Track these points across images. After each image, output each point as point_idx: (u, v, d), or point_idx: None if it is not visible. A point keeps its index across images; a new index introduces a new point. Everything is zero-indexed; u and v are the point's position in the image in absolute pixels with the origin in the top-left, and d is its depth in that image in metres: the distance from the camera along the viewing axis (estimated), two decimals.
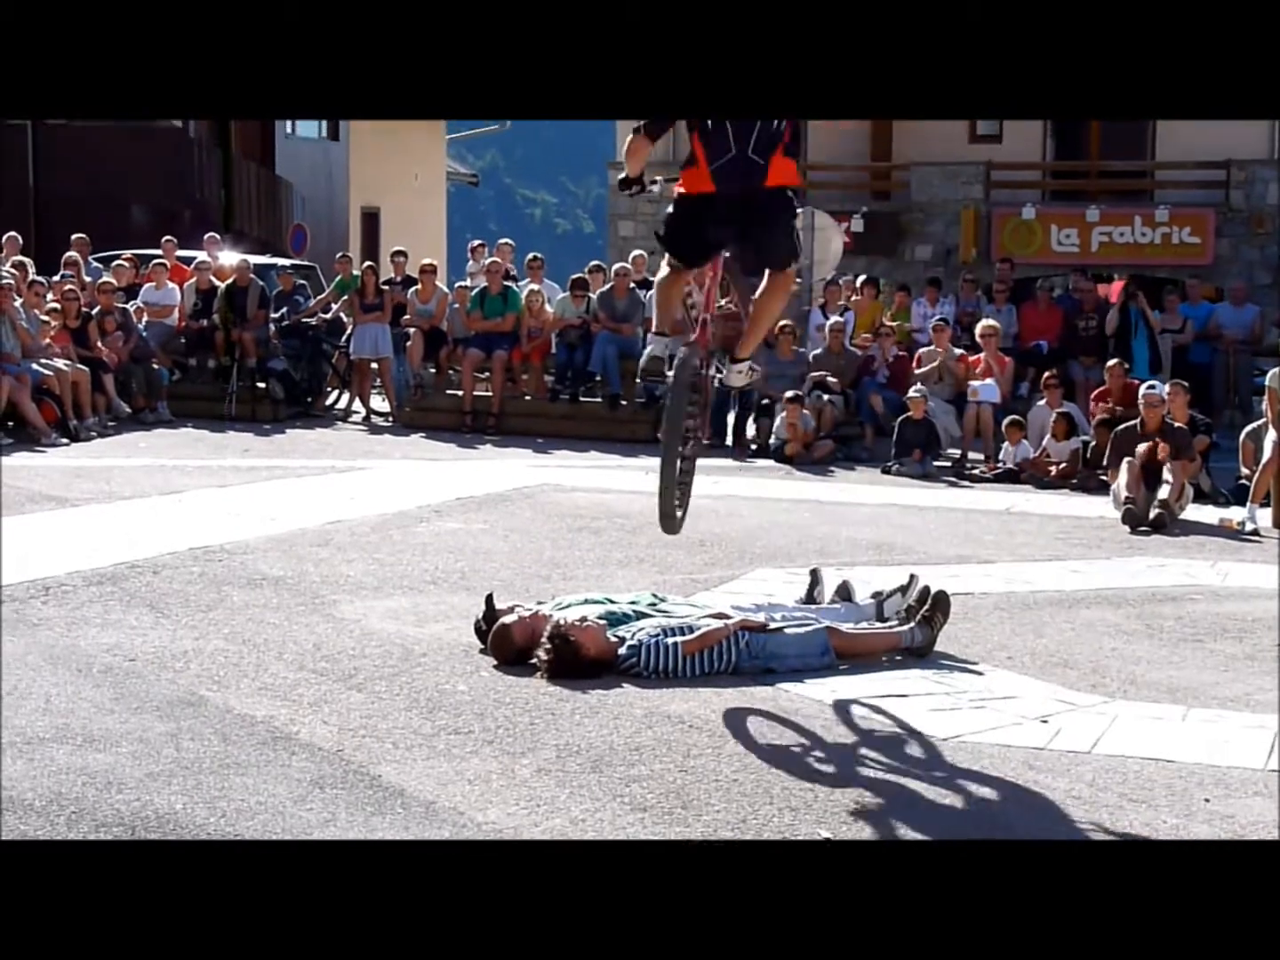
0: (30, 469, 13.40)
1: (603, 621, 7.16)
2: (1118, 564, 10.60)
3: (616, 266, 19.03)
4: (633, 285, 18.40)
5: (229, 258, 20.44)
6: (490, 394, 18.37)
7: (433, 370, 19.02)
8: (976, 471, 15.85)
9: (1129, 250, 24.05)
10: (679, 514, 7.26)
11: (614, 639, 7.08)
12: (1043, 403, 16.08)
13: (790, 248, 7.02)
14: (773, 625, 7.32)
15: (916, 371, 17.15)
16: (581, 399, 18.52)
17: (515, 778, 5.59)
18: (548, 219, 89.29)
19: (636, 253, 20.02)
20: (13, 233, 19.55)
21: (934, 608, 7.66)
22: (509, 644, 7.15)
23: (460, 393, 18.45)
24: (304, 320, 19.65)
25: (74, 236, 19.98)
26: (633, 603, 7.55)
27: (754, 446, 17.18)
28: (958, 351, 17.36)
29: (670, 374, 7.02)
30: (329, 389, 20.15)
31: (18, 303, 16.54)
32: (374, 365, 19.31)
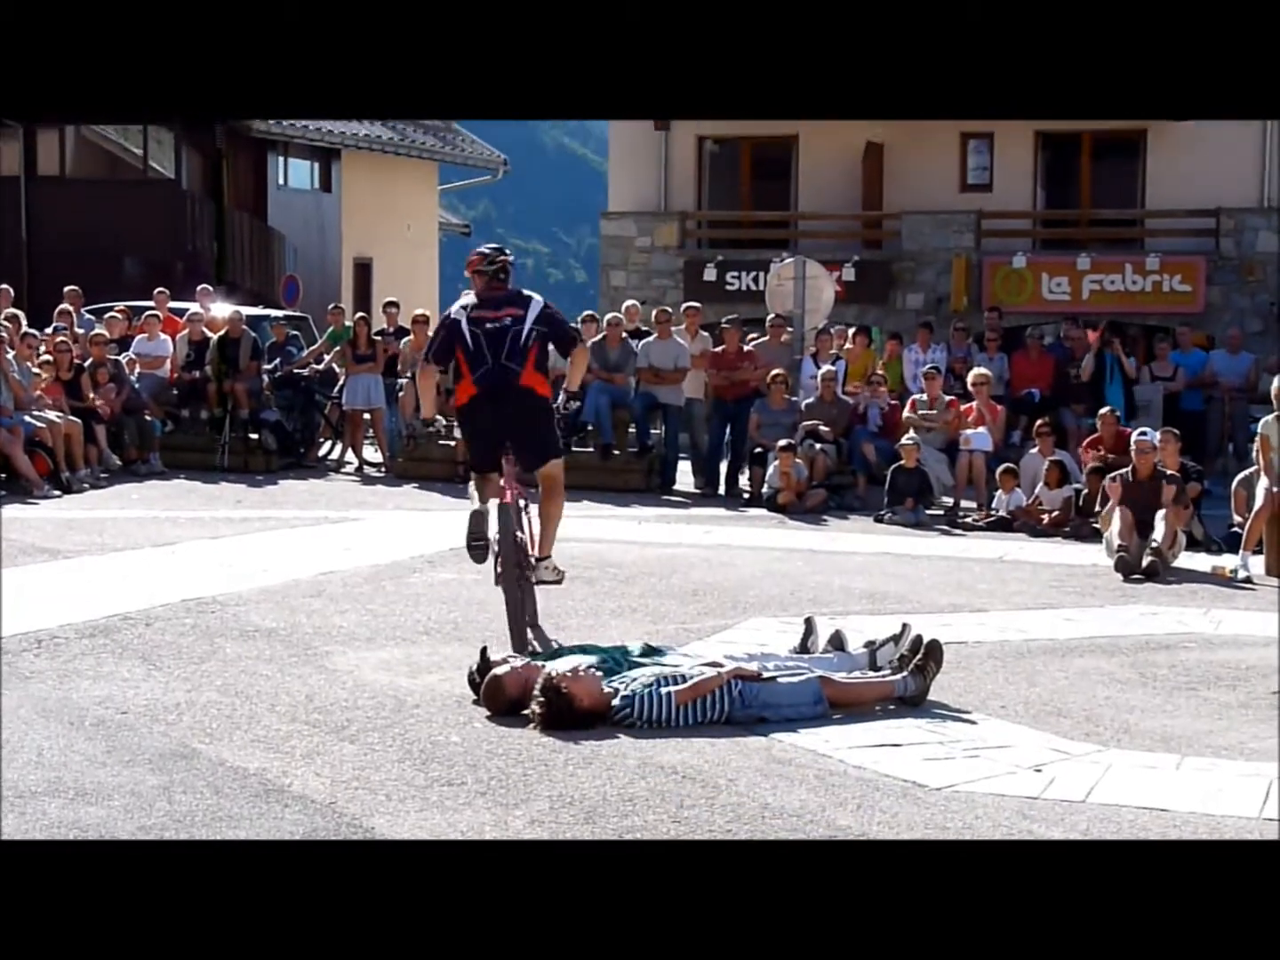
0: (23, 521, 13.37)
1: (598, 673, 7.15)
2: (1111, 612, 10.61)
3: (609, 316, 19.06)
4: (625, 335, 18.42)
5: (221, 309, 20.49)
6: None
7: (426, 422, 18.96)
8: (969, 520, 15.83)
9: (1120, 298, 24.13)
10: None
11: (609, 690, 7.06)
12: (1035, 450, 16.07)
13: (553, 445, 8.88)
14: (766, 675, 7.31)
15: (906, 416, 17.13)
16: (574, 449, 18.52)
17: (509, 829, 5.57)
18: (540, 269, 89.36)
19: (629, 302, 20.07)
20: (5, 285, 19.62)
21: (927, 657, 7.65)
22: (502, 695, 7.13)
23: (453, 443, 18.45)
24: (296, 371, 19.70)
25: (67, 288, 20.05)
26: (625, 652, 7.54)
27: (746, 496, 17.20)
28: (948, 398, 17.38)
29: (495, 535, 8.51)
30: (322, 440, 20.18)
31: (10, 355, 16.53)
32: (367, 416, 19.35)
